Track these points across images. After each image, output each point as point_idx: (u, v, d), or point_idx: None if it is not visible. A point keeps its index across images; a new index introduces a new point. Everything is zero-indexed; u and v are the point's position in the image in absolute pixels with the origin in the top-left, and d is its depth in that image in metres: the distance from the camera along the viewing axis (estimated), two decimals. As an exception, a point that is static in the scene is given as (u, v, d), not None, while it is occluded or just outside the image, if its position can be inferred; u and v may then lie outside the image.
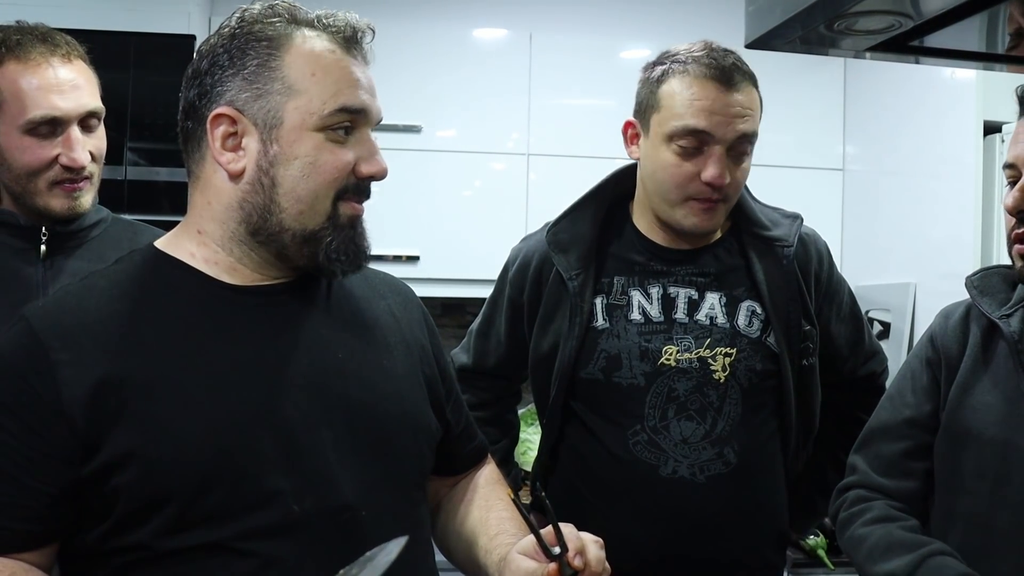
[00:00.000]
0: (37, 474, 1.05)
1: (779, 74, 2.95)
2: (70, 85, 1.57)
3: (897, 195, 2.86)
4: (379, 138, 1.22)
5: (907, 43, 1.05)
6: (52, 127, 1.56)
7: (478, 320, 1.89)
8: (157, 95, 2.86)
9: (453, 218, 2.98)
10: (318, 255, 1.15)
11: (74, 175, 1.58)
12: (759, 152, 1.66)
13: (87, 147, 1.59)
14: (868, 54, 1.08)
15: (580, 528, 1.22)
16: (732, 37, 1.40)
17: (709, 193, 1.59)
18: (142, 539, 1.07)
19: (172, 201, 2.85)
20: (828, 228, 3.06)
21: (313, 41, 1.15)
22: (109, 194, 2.74)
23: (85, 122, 1.59)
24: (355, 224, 1.18)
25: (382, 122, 1.21)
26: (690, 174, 1.59)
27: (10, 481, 1.06)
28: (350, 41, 1.17)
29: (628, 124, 1.70)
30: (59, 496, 1.06)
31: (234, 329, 1.14)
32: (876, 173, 2.99)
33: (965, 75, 2.41)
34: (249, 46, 1.13)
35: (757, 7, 1.05)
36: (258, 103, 1.13)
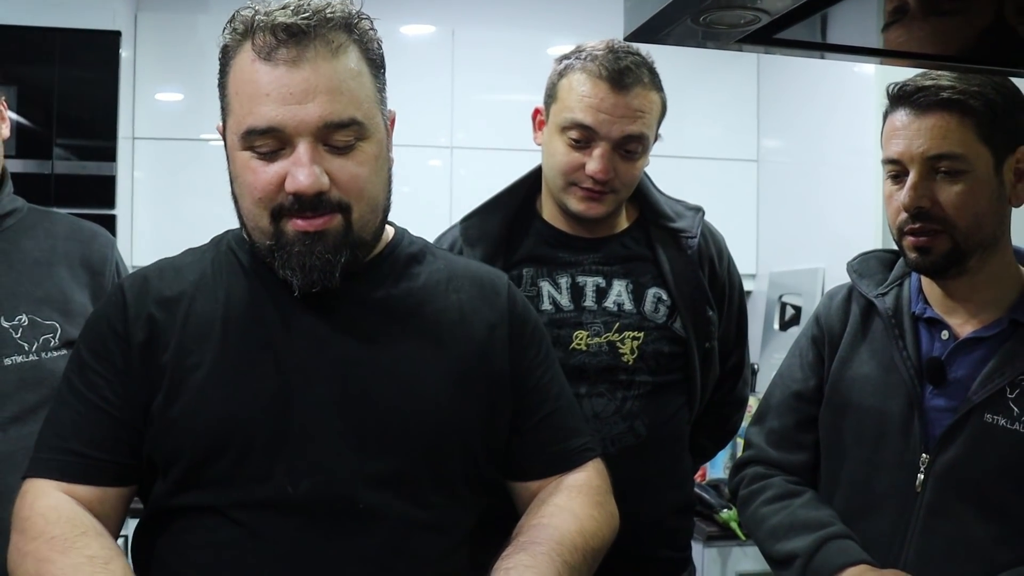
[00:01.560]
0: (127, 410, 1.17)
1: (695, 68, 3.08)
2: None
3: (807, 185, 2.99)
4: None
5: (771, 36, 1.12)
6: None
7: None
8: (84, 90, 2.88)
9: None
10: (278, 270, 1.17)
11: None
12: (677, 144, 1.74)
13: None
14: (738, 46, 1.15)
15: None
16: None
17: (592, 184, 1.67)
18: (157, 495, 1.18)
19: (99, 195, 2.87)
20: (744, 217, 3.21)
21: (243, 55, 1.13)
22: (37, 188, 2.77)
23: None
24: (304, 240, 1.14)
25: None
26: (576, 164, 1.67)
27: (105, 415, 1.17)
28: (284, 42, 1.10)
29: (536, 111, 1.78)
30: (142, 434, 1.17)
31: (273, 313, 1.19)
32: (789, 164, 3.11)
33: (866, 69, 2.52)
34: (221, 61, 1.17)
35: (634, 2, 1.11)
36: (223, 122, 1.19)
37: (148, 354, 1.17)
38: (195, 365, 1.16)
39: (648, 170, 1.81)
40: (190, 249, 1.31)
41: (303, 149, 1.11)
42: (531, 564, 1.10)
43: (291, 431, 1.15)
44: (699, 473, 2.99)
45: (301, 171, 1.10)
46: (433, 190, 3.04)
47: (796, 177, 3.06)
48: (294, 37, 1.09)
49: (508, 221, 1.78)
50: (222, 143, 1.21)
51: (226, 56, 1.16)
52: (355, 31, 1.15)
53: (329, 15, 1.11)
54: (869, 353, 1.47)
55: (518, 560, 1.11)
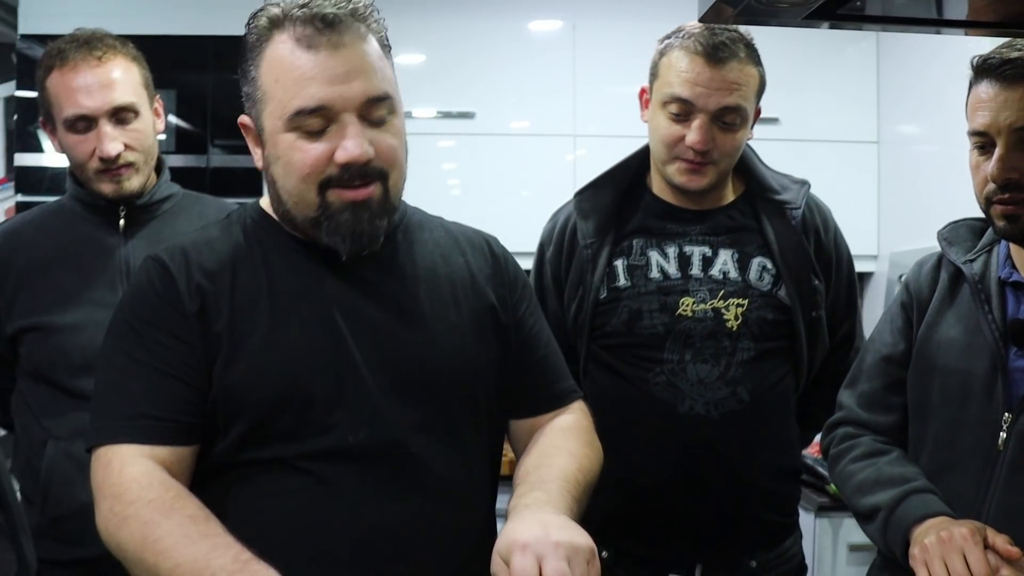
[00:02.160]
0: (191, 374, 1.26)
1: (814, 51, 3.11)
2: (98, 85, 1.81)
3: (928, 165, 2.96)
4: (436, 124, 1.34)
5: (836, 11, 1.19)
6: (86, 123, 1.82)
7: None
8: (236, 92, 3.13)
9: (505, 196, 3.19)
10: (322, 237, 1.29)
11: (110, 164, 1.83)
12: (796, 127, 1.80)
13: (121, 139, 1.83)
14: (805, 23, 1.23)
15: (610, 460, 1.44)
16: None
17: (692, 155, 1.76)
18: (218, 451, 1.28)
19: (248, 185, 3.13)
20: (864, 199, 3.21)
21: (278, 46, 1.24)
22: (194, 180, 3.04)
23: (118, 115, 1.83)
24: (353, 209, 1.26)
25: (431, 108, 1.34)
26: (677, 136, 1.77)
27: (172, 379, 1.26)
28: (322, 30, 1.22)
29: (642, 91, 1.90)
30: (205, 395, 1.27)
31: (314, 281, 1.32)
32: (909, 144, 3.09)
33: (983, 45, 2.50)
34: (245, 55, 1.29)
35: (704, -15, 1.21)
36: (253, 110, 1.29)
37: (203, 322, 1.27)
38: (249, 331, 1.27)
39: (768, 154, 1.90)
40: (207, 225, 1.42)
41: (351, 123, 1.23)
42: (547, 500, 1.25)
43: (345, 386, 1.28)
44: (814, 447, 3.02)
45: (352, 142, 1.23)
46: (557, 176, 3.17)
47: (917, 157, 3.04)
48: (331, 25, 1.22)
49: (619, 194, 1.90)
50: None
51: (253, 51, 1.27)
52: (371, 20, 1.28)
53: (353, 6, 1.25)
54: (956, 317, 1.52)
55: (535, 497, 1.25)
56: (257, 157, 1.33)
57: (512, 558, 1.13)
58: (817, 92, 3.13)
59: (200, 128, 3.21)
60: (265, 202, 1.38)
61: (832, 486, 2.58)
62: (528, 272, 1.76)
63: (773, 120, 2.84)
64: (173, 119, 3.15)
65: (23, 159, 3.20)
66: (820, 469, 2.72)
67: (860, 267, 1.71)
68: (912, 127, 3.10)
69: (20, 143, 3.21)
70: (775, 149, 1.84)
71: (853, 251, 2.00)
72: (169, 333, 1.27)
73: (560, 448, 1.39)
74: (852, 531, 2.67)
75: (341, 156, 1.23)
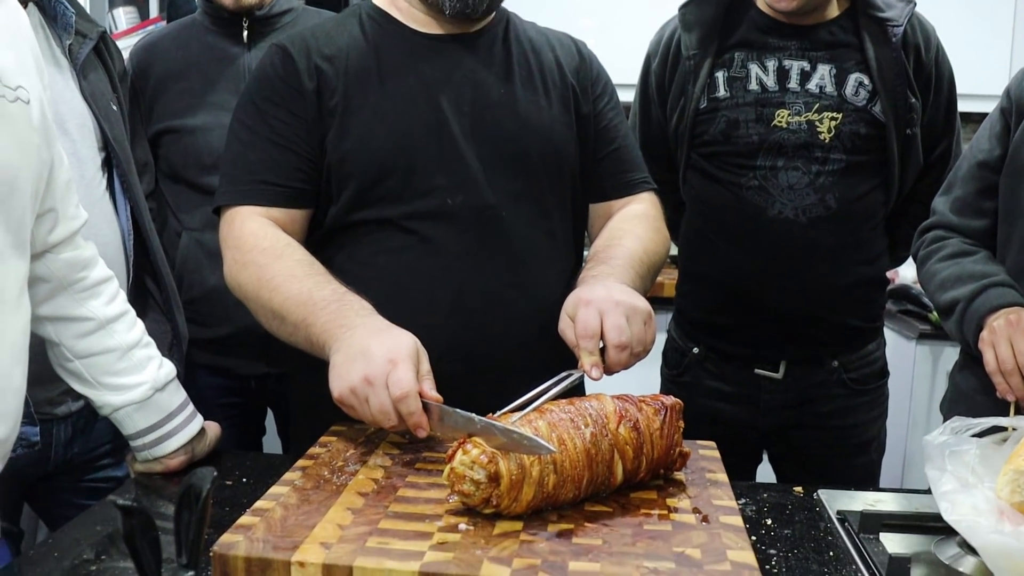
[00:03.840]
0: (304, 146, 1.43)
1: None
2: None
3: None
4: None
5: None
6: None
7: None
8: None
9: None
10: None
11: None
12: None
13: None
14: None
15: (705, 261, 1.68)
16: None
17: None
18: (331, 216, 1.46)
19: None
20: (999, 39, 3.05)
21: None
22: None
23: None
24: None
25: None
26: None
27: (287, 150, 1.43)
28: None
29: None
30: (317, 165, 1.44)
31: (419, 63, 1.47)
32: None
33: None
34: None
35: None
36: None
37: (319, 99, 1.43)
38: (360, 106, 1.44)
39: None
40: (326, 19, 1.64)
41: None
42: (611, 272, 1.39)
43: (446, 155, 1.44)
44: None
45: None
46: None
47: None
48: None
49: (723, 8, 1.92)
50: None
51: None
52: None
53: None
54: (1053, 121, 1.50)
55: (601, 270, 1.41)
56: None
57: (577, 312, 1.27)
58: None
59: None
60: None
61: (935, 314, 2.59)
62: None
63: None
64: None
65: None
66: (924, 299, 2.72)
67: (989, 107, 1.70)
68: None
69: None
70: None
71: (985, 91, 1.96)
72: (287, 110, 1.44)
73: (628, 231, 1.52)
74: (951, 359, 2.66)
75: None
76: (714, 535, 1.02)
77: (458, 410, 1.11)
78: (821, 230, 1.84)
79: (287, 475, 1.17)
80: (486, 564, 0.93)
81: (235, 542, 0.96)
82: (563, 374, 1.23)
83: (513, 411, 1.12)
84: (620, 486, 1.14)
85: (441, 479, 1.07)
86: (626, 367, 1.28)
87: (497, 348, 1.43)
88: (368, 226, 1.45)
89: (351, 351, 1.20)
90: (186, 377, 1.96)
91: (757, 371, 1.92)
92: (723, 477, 1.22)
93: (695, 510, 1.10)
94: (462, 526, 1.02)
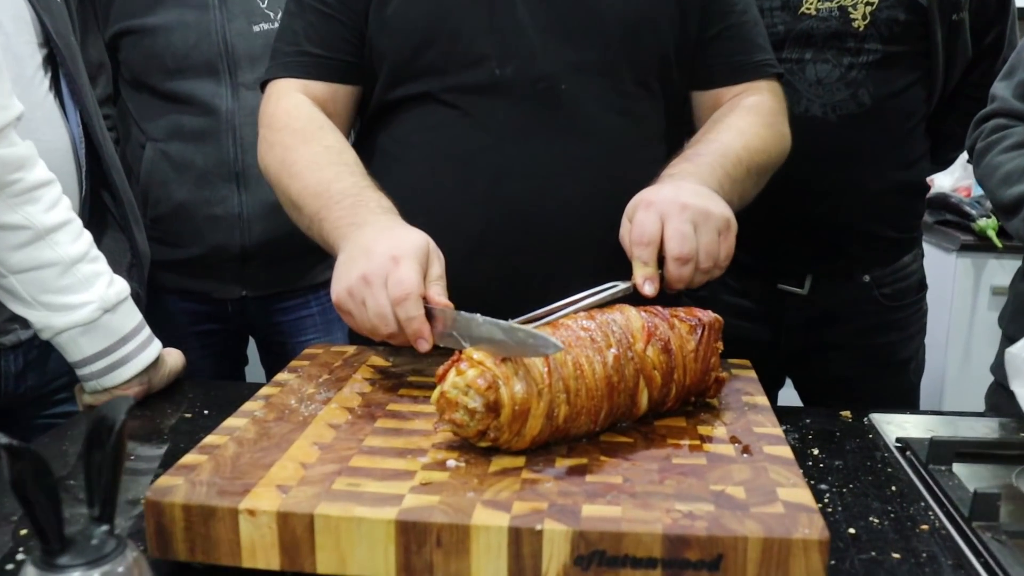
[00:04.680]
0: (349, 13, 1.29)
1: None
2: None
3: None
4: None
5: None
6: None
7: None
8: None
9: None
10: None
11: None
12: None
13: None
14: None
15: None
16: None
17: None
18: (377, 90, 1.31)
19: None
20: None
21: None
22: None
23: None
24: None
25: None
26: None
27: (330, 18, 1.29)
28: None
29: None
30: (364, 36, 1.30)
31: None
32: None
33: None
34: None
35: None
36: None
37: None
38: None
39: None
40: None
41: None
42: (693, 171, 1.15)
43: (496, 19, 1.24)
44: (962, 188, 2.81)
45: None
46: None
47: None
48: None
49: None
50: None
51: None
52: None
53: None
54: None
55: (682, 168, 1.17)
56: None
57: (635, 215, 1.07)
58: None
59: None
60: None
61: (978, 223, 2.39)
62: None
63: None
64: None
65: None
66: (966, 208, 2.52)
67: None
68: None
69: None
70: None
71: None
72: None
73: (730, 125, 1.27)
74: (995, 272, 2.49)
75: None
76: (759, 469, 0.84)
77: (462, 312, 0.93)
78: (853, 129, 1.63)
79: (246, 405, 0.99)
80: (479, 509, 0.75)
81: (172, 486, 0.78)
82: (608, 285, 1.03)
83: (527, 322, 0.93)
84: (641, 416, 0.95)
85: (429, 406, 0.89)
86: (689, 285, 1.07)
87: (543, 249, 1.23)
88: (409, 102, 1.29)
89: (354, 250, 1.03)
90: (156, 303, 1.81)
91: (780, 286, 1.73)
92: (763, 400, 1.03)
93: (733, 439, 0.91)
94: (451, 463, 0.84)
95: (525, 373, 0.85)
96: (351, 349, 1.18)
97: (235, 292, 1.84)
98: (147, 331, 1.22)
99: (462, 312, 0.92)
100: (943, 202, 2.69)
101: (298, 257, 1.81)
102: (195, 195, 1.77)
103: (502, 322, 0.87)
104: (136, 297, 1.61)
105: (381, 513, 0.74)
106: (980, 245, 2.47)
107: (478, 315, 0.90)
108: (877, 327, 1.76)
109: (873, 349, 1.76)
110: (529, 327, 0.87)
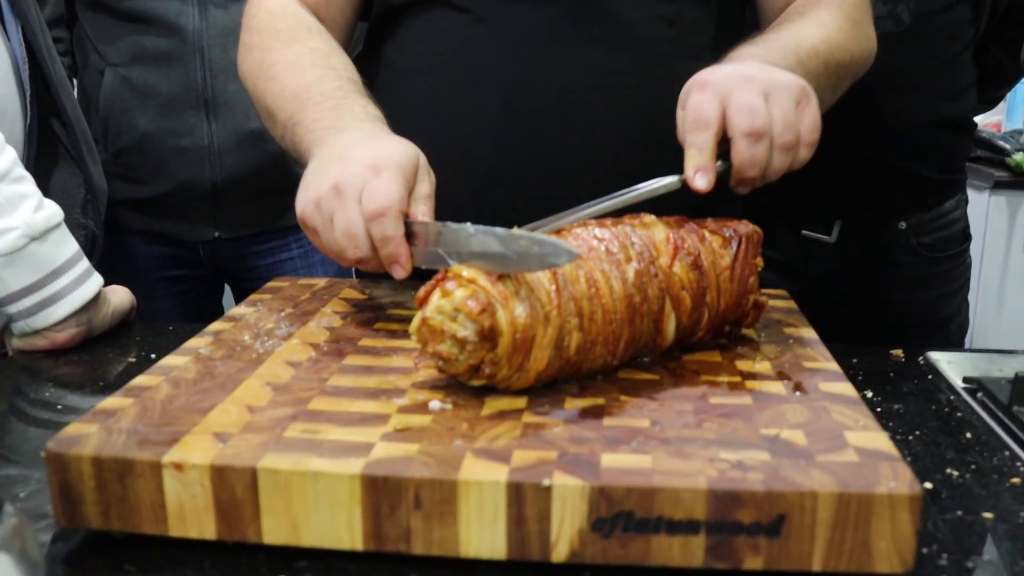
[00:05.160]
0: None
1: None
2: None
3: None
4: None
5: None
6: None
7: None
8: None
9: None
10: None
11: None
12: None
13: None
14: None
15: None
16: None
17: None
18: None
19: None
20: None
21: None
22: None
23: None
24: None
25: None
26: None
27: None
28: None
29: None
30: None
31: None
32: None
33: None
34: None
35: None
36: None
37: None
38: None
39: None
40: None
41: None
42: (759, 53, 0.94)
43: None
44: (995, 125, 2.63)
45: None
46: None
47: None
48: None
49: None
50: None
51: None
52: None
53: None
54: None
55: (745, 51, 0.96)
56: None
57: (689, 98, 0.86)
58: None
59: None
60: None
61: (1014, 157, 2.22)
62: None
63: None
64: None
65: None
66: (999, 142, 2.35)
67: None
68: None
69: None
70: None
71: None
72: None
73: (807, 17, 1.06)
74: (1033, 211, 2.32)
75: None
76: (818, 410, 0.67)
77: (448, 223, 0.76)
78: (891, 51, 1.42)
79: (190, 341, 0.82)
80: (470, 460, 0.58)
81: (82, 435, 0.62)
82: (652, 181, 0.84)
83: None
84: (667, 349, 0.79)
85: (412, 342, 0.72)
86: (767, 177, 0.87)
87: (567, 179, 1.04)
88: (416, 5, 1.10)
89: (328, 156, 0.86)
90: (119, 247, 1.65)
91: (805, 233, 1.53)
92: (809, 332, 0.87)
93: (780, 375, 0.75)
94: (436, 404, 0.68)
95: (528, 293, 0.68)
96: (322, 281, 1.02)
97: (207, 233, 1.67)
98: (85, 263, 1.05)
99: (448, 223, 0.75)
100: (974, 138, 2.50)
101: (276, 193, 1.63)
102: (160, 125, 1.60)
103: (499, 230, 0.70)
104: (92, 237, 1.45)
105: (344, 466, 0.58)
106: (1016, 182, 2.30)
107: (468, 224, 0.73)
108: (914, 281, 1.56)
109: (910, 306, 1.58)
110: (534, 233, 0.70)
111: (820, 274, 1.54)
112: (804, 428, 0.64)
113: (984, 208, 2.36)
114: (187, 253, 1.69)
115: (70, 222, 1.19)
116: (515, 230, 0.70)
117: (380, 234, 0.79)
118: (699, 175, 0.82)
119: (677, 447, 0.60)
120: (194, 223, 1.66)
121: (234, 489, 0.58)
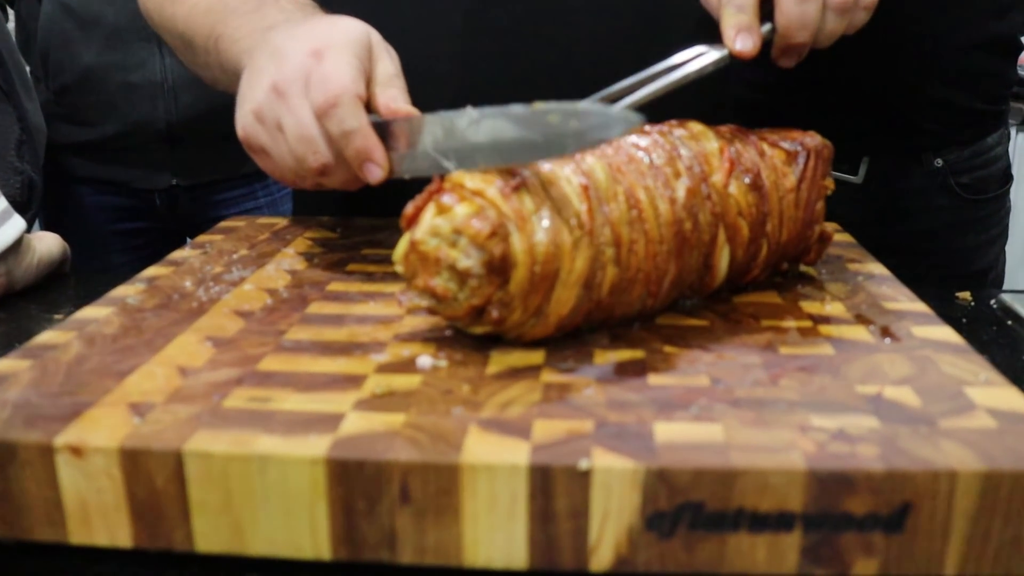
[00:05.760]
0: None
1: None
2: None
3: None
4: None
5: None
6: None
7: None
8: None
9: None
10: None
11: None
12: None
13: None
14: None
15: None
16: None
17: None
18: None
19: None
20: None
21: None
22: None
23: None
24: None
25: None
26: None
27: None
28: None
29: None
30: None
31: None
32: None
33: None
34: None
35: None
36: None
37: None
38: None
39: None
40: None
41: None
42: None
43: None
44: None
45: None
46: None
47: None
48: None
49: None
50: None
51: None
52: None
53: None
54: None
55: None
56: None
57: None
58: None
59: None
60: None
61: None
62: None
63: None
64: None
65: None
66: None
67: None
68: None
69: None
70: None
71: None
72: None
73: None
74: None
75: None
76: (921, 360, 0.52)
77: (439, 112, 0.59)
78: None
79: (117, 290, 0.66)
80: (475, 436, 0.43)
81: (-47, 411, 0.46)
82: (686, 54, 0.67)
83: None
84: (716, 289, 0.63)
85: (393, 284, 0.56)
86: (820, 36, 0.70)
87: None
88: None
89: (261, 58, 0.68)
90: (65, 196, 1.48)
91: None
92: (880, 268, 0.72)
93: (860, 319, 0.59)
94: (426, 360, 0.52)
95: (552, 209, 0.52)
96: (284, 220, 0.86)
97: (163, 181, 1.49)
98: (2, 203, 0.89)
99: (439, 112, 0.59)
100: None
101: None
102: (106, 58, 1.42)
103: (516, 107, 0.54)
104: (29, 183, 1.29)
105: (303, 446, 0.42)
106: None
107: (469, 108, 0.57)
108: (951, 226, 1.41)
109: (944, 255, 1.42)
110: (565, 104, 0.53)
111: (847, 218, 1.38)
112: (912, 384, 0.49)
113: (1013, 146, 2.22)
114: (142, 203, 1.51)
115: (3, 165, 1.04)
116: (538, 104, 0.53)
117: (338, 128, 0.62)
118: (741, 36, 0.66)
119: (755, 412, 0.45)
120: (148, 169, 1.49)
121: (153, 480, 0.43)
